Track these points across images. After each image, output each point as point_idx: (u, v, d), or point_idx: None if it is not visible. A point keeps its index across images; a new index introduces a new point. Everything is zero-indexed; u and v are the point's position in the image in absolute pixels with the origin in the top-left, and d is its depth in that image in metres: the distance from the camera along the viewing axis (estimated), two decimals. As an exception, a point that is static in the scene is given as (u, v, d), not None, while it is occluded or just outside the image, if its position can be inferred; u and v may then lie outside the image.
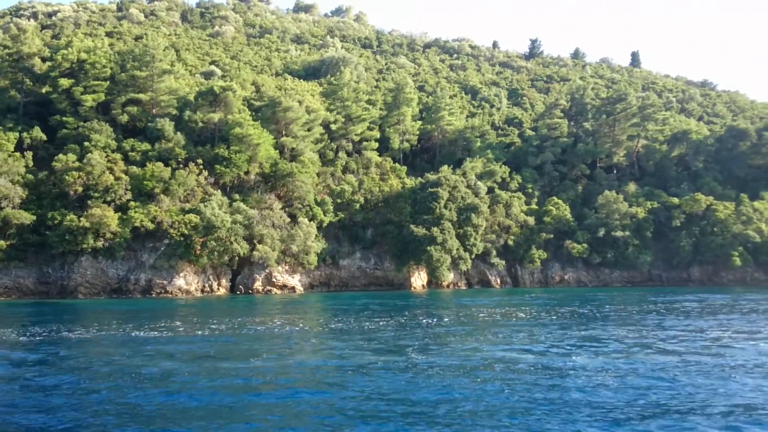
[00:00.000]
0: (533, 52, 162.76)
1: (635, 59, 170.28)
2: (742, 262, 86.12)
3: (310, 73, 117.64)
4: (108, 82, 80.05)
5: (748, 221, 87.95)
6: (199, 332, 31.97)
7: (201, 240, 67.76)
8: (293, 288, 74.16)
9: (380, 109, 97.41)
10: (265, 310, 48.79)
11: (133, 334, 31.40)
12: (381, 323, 36.16)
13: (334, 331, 33.04)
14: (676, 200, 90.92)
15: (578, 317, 39.48)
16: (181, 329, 33.72)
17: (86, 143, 72.97)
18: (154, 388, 18.99)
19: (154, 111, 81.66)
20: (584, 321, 37.16)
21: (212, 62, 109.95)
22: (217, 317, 40.03)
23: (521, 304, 51.44)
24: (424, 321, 37.55)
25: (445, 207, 79.68)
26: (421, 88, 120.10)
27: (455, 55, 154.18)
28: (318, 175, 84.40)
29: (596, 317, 39.53)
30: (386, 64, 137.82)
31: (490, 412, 16.10)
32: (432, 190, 79.90)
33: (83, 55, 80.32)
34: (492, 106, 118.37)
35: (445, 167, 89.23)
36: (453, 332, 32.13)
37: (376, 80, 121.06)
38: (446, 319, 38.74)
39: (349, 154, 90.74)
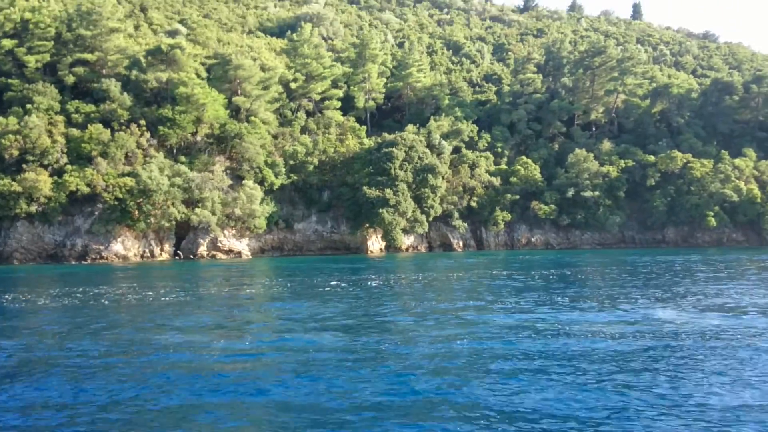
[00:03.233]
0: (528, 5, 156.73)
1: (636, 11, 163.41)
2: (717, 222, 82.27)
3: (285, 30, 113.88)
4: (53, 43, 77.73)
5: (726, 179, 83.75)
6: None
7: (138, 204, 65.81)
8: (239, 253, 72.23)
9: (348, 67, 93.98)
10: (174, 276, 46.78)
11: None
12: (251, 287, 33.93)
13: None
14: (651, 158, 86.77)
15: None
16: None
17: (29, 105, 71.07)
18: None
19: (104, 71, 79.38)
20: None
21: (181, 20, 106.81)
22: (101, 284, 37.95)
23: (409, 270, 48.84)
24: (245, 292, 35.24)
25: (401, 168, 76.67)
26: (401, 45, 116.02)
27: (446, 10, 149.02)
28: (276, 136, 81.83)
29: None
30: (370, 20, 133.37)
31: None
32: (387, 150, 76.82)
33: (27, 15, 77.84)
34: (473, 63, 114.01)
35: (410, 126, 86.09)
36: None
37: (356, 37, 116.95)
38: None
39: (311, 114, 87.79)
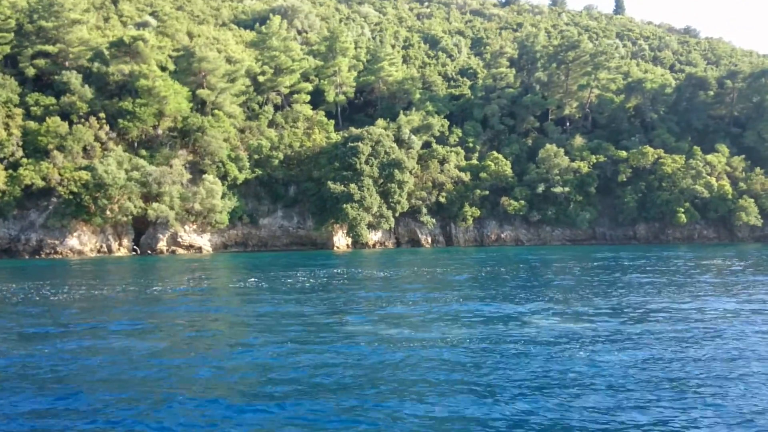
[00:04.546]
0: (509, 0, 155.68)
1: (619, 6, 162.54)
2: (688, 219, 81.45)
3: (260, 23, 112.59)
4: (13, 34, 76.46)
5: (698, 175, 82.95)
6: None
7: (94, 198, 64.51)
8: (200, 248, 71.09)
9: (320, 60, 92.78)
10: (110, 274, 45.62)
11: None
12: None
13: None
14: (623, 154, 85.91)
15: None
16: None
17: (-14, 98, 69.72)
18: None
19: (66, 63, 78.02)
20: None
21: (152, 12, 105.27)
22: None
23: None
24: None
25: (367, 163, 75.60)
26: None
27: (426, 3, 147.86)
28: (242, 130, 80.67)
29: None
30: (348, 13, 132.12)
31: None
32: (352, 145, 75.73)
33: (-14, 6, 76.43)
34: (449, 57, 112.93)
35: (380, 121, 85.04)
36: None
37: (327, 30, 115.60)
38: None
39: (280, 108, 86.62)
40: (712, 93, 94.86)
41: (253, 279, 36.78)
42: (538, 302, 25.89)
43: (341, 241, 77.61)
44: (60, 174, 64.82)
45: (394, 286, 34.09)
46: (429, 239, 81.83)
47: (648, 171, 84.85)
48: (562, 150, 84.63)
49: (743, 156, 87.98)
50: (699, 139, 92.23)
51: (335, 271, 43.50)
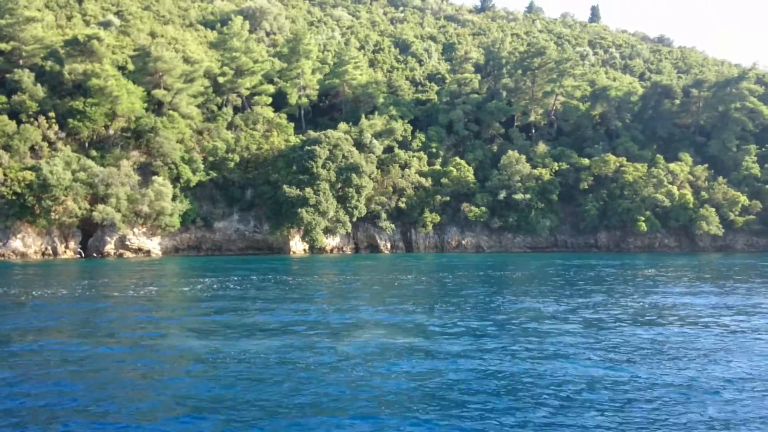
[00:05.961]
0: (485, 6, 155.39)
1: (594, 14, 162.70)
2: (648, 228, 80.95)
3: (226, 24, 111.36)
4: (-36, 31, 74.86)
5: (659, 184, 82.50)
6: None
7: (39, 199, 62.95)
8: (149, 252, 69.65)
9: (284, 62, 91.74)
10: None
11: None
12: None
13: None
14: (586, 161, 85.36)
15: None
16: None
17: (-67, 96, 68.14)
18: None
19: (20, 62, 76.49)
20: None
21: (117, 12, 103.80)
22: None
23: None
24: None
25: (324, 166, 74.52)
26: (349, 42, 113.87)
27: (401, 8, 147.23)
28: (200, 132, 79.41)
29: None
30: (320, 16, 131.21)
31: None
32: (309, 148, 74.66)
33: (-63, 1, 74.86)
34: (419, 61, 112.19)
35: (342, 125, 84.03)
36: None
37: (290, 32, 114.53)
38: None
39: (240, 110, 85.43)
40: (677, 101, 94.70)
41: (151, 287, 35.48)
42: (398, 312, 25.29)
43: (298, 245, 76.49)
44: (5, 174, 63.24)
45: (292, 293, 33.18)
46: (388, 245, 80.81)
47: (610, 179, 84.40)
48: (524, 157, 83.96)
49: (706, 165, 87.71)
50: (663, 147, 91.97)
51: (252, 277, 42.36)
